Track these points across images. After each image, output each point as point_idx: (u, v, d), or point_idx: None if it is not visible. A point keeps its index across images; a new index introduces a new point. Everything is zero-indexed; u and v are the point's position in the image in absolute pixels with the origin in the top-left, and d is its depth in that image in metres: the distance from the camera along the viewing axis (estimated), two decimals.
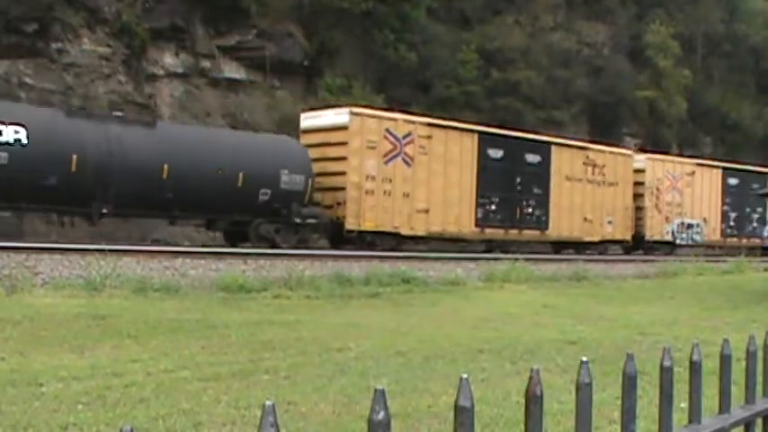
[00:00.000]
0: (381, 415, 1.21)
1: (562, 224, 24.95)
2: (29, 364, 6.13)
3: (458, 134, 22.29)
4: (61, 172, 15.55)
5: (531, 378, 1.45)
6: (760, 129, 45.36)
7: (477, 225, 22.79)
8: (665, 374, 1.85)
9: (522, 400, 1.51)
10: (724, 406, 2.09)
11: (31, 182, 15.15)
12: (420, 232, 21.38)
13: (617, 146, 30.97)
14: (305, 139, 20.27)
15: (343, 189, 19.86)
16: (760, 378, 2.27)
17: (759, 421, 2.19)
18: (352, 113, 20.18)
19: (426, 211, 21.32)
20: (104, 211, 16.64)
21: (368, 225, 20.10)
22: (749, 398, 2.19)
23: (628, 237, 27.61)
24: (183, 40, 26.21)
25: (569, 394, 5.27)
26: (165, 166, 16.88)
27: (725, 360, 2.09)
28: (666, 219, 29.28)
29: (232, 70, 27.48)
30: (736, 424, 2.07)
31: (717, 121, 44.09)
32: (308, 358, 6.87)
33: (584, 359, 1.61)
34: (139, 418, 4.63)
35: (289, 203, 18.72)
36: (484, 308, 11.82)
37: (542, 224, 24.58)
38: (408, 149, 20.89)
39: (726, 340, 2.11)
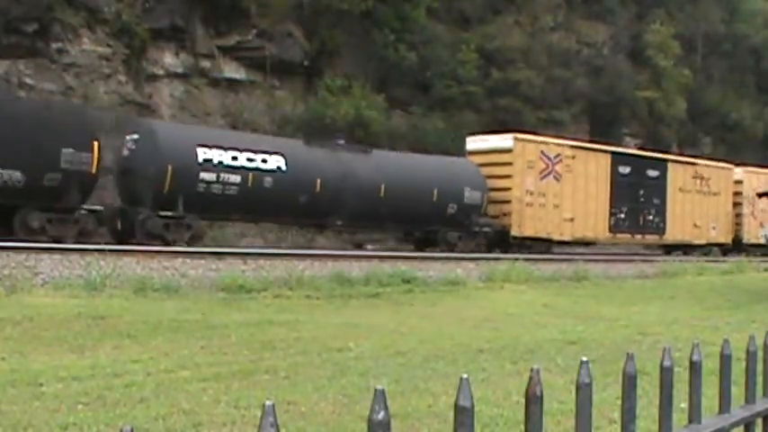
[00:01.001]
0: (381, 415, 1.21)
1: (676, 229, 28.78)
2: (29, 364, 6.13)
3: (595, 154, 26.21)
4: (309, 192, 19.17)
5: (531, 378, 1.45)
6: (760, 129, 45.35)
7: (610, 231, 26.52)
8: (665, 374, 1.85)
9: (522, 400, 1.51)
10: (724, 406, 2.09)
11: (289, 200, 18.81)
12: (567, 238, 25.04)
13: (715, 159, 34.28)
14: (471, 159, 23.94)
15: (507, 202, 23.53)
16: (760, 378, 2.27)
17: (759, 421, 2.19)
18: (516, 139, 24.03)
19: (572, 219, 25.03)
20: (339, 223, 20.53)
21: (527, 232, 23.73)
22: (749, 398, 2.19)
23: (729, 240, 31.43)
24: (183, 40, 26.21)
25: (569, 394, 5.27)
26: (382, 186, 20.51)
27: (725, 360, 2.09)
28: (761, 224, 33.09)
29: (232, 70, 27.48)
30: (736, 424, 2.07)
31: (717, 121, 44.08)
32: (308, 358, 6.87)
33: (584, 359, 1.61)
34: (139, 418, 4.63)
35: (469, 215, 22.56)
36: (484, 308, 11.82)
37: (660, 230, 28.31)
38: (558, 168, 24.58)
39: (726, 340, 2.11)
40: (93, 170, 16.21)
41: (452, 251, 21.45)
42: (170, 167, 16.89)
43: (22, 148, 15.08)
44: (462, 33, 33.81)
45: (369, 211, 20.44)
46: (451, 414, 1.36)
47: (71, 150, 15.77)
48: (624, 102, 38.52)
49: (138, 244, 15.94)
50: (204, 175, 17.41)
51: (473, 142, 24.84)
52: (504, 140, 24.00)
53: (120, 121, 19.21)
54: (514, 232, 23.48)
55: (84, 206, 16.46)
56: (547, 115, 35.82)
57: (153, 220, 16.86)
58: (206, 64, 26.72)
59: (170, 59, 25.92)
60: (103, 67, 23.80)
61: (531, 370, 1.47)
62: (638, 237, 27.69)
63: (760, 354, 2.26)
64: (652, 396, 4.65)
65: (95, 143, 16.29)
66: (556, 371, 6.54)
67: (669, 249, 29.57)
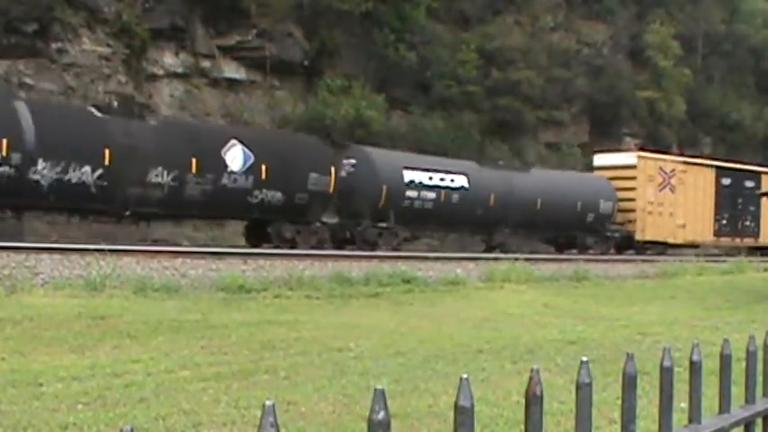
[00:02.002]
0: (381, 415, 1.21)
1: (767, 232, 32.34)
2: (29, 364, 6.13)
3: (702, 169, 29.92)
4: (485, 206, 23.20)
5: (531, 378, 1.45)
6: (760, 129, 45.33)
7: (714, 235, 30.11)
8: (665, 374, 1.85)
9: (522, 400, 1.51)
10: (724, 406, 2.09)
11: (470, 213, 22.94)
12: (679, 241, 28.55)
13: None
14: (598, 174, 28.22)
15: (632, 211, 27.47)
16: (760, 378, 2.27)
17: (759, 421, 2.19)
18: (639, 157, 28.44)
19: (683, 225, 28.64)
20: (506, 230, 24.41)
21: (648, 236, 27.61)
22: (749, 398, 2.19)
23: None
24: (183, 40, 26.20)
25: (569, 394, 5.27)
26: (539, 200, 24.46)
27: (725, 360, 2.09)
28: None
29: (232, 70, 27.47)
30: (736, 424, 2.07)
31: (717, 121, 44.06)
32: (308, 358, 6.87)
33: (585, 359, 1.61)
34: (139, 418, 4.63)
35: (603, 222, 26.80)
36: (484, 308, 11.82)
37: (755, 233, 31.81)
38: (672, 181, 28.33)
39: (726, 340, 2.11)
40: (331, 190, 20.31)
41: (586, 252, 25.64)
42: (384, 187, 20.89)
43: (283, 173, 19.00)
44: (462, 33, 33.80)
45: (527, 221, 24.50)
46: (451, 414, 1.36)
47: (316, 175, 19.82)
48: (624, 102, 38.50)
49: (358, 249, 20.05)
50: (409, 193, 21.60)
51: (600, 159, 29.20)
52: (628, 158, 28.66)
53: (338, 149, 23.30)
54: (638, 237, 27.47)
55: (322, 219, 20.74)
56: (547, 115, 35.81)
57: (370, 230, 20.87)
58: (206, 64, 26.71)
59: (170, 59, 25.91)
60: (103, 67, 23.79)
61: (531, 370, 1.47)
62: (737, 240, 31.43)
63: (760, 354, 2.26)
64: (652, 396, 4.64)
65: (333, 168, 20.39)
66: (556, 371, 6.53)
67: (762, 251, 32.56)
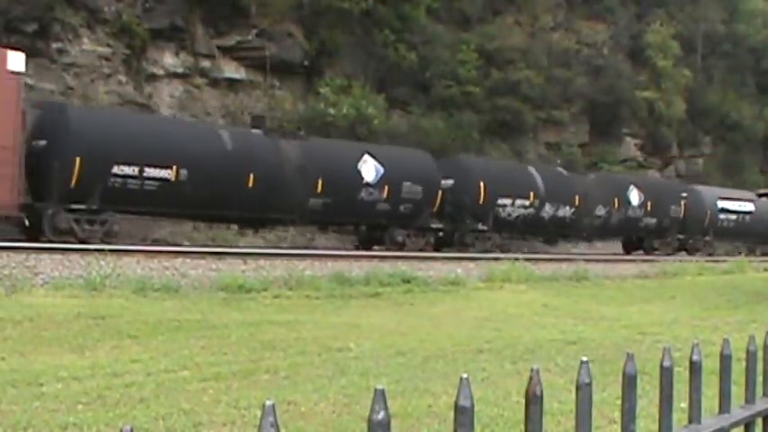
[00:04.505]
0: (381, 415, 1.21)
1: None
2: (29, 364, 6.12)
3: None
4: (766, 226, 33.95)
5: (531, 378, 1.45)
6: (760, 129, 45.34)
7: None
8: (665, 374, 1.85)
9: (522, 400, 1.51)
10: (724, 406, 2.09)
11: (758, 232, 34.29)
12: None
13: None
14: None
15: None
16: (760, 378, 2.27)
17: (759, 421, 2.19)
18: None
19: None
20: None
21: None
22: (749, 398, 2.19)
23: None
24: (183, 40, 26.19)
25: (569, 394, 5.27)
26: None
27: (725, 360, 2.09)
28: None
29: (232, 70, 27.46)
30: (736, 424, 2.07)
31: (717, 121, 44.06)
32: (308, 358, 6.87)
33: (585, 359, 1.61)
34: (139, 418, 4.63)
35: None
36: (484, 308, 11.82)
37: None
38: None
39: (726, 340, 2.10)
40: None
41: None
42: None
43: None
44: (462, 33, 33.78)
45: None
46: (451, 414, 1.36)
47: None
48: (624, 102, 38.50)
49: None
50: (721, 216, 31.08)
51: None
52: None
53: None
54: None
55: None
56: (547, 115, 35.81)
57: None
58: (206, 64, 26.70)
59: (170, 59, 25.90)
60: (103, 67, 23.78)
61: (531, 370, 1.46)
62: None
63: (760, 354, 2.26)
64: (652, 396, 4.64)
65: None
66: (556, 371, 6.53)
67: None
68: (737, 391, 2.24)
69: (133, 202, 16.87)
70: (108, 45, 24.02)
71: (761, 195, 28.09)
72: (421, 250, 21.40)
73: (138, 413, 4.77)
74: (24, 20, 22.14)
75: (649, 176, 36.52)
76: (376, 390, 1.23)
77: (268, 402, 1.17)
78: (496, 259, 18.57)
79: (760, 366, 2.24)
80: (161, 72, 25.65)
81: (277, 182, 18.94)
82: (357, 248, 21.70)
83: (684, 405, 2.07)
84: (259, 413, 1.20)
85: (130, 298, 10.60)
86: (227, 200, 18.26)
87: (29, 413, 4.67)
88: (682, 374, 2.22)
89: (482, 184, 23.35)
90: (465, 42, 32.46)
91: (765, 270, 24.31)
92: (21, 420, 4.51)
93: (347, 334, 8.30)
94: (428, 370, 6.48)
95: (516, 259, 17.95)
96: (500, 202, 23.80)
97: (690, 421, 1.97)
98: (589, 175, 28.91)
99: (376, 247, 21.57)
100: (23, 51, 16.06)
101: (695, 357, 1.95)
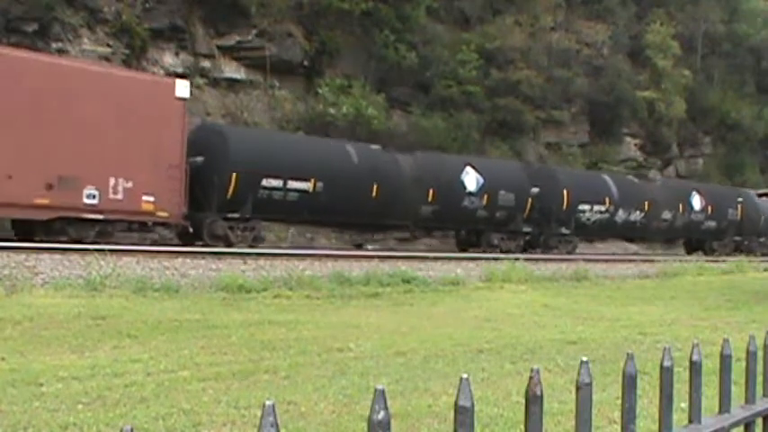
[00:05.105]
0: (381, 415, 1.21)
1: None
2: (29, 364, 6.12)
3: None
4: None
5: (531, 378, 1.45)
6: (760, 129, 45.37)
7: None
8: (665, 374, 1.85)
9: (522, 400, 1.50)
10: (724, 406, 2.09)
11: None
12: None
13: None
14: None
15: None
16: (760, 378, 2.27)
17: (759, 421, 2.19)
18: None
19: None
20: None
21: None
22: (749, 398, 2.19)
23: None
24: (183, 40, 26.20)
25: (569, 394, 5.27)
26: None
27: (725, 360, 2.09)
28: None
29: (232, 70, 27.46)
30: (736, 424, 2.07)
31: (717, 121, 44.09)
32: (308, 358, 6.87)
33: (585, 359, 1.61)
34: (139, 418, 4.63)
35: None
36: (484, 308, 11.82)
37: None
38: None
39: (726, 340, 2.10)
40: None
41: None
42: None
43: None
44: (462, 33, 33.80)
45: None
46: (451, 414, 1.36)
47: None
48: (624, 102, 38.51)
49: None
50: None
51: None
52: None
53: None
54: None
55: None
56: (547, 115, 35.82)
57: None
58: (206, 64, 26.71)
59: (170, 59, 25.91)
60: None
61: (531, 370, 1.47)
62: None
63: (760, 354, 2.26)
64: (652, 396, 4.64)
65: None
66: (556, 371, 6.54)
67: None
68: (737, 391, 2.25)
69: (277, 210, 19.22)
70: (108, 45, 24.03)
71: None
72: (511, 252, 23.23)
73: (138, 413, 4.77)
74: (24, 20, 22.15)
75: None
76: (376, 390, 1.23)
77: (268, 402, 1.17)
78: (496, 259, 18.57)
79: (760, 366, 2.24)
80: (161, 72, 25.66)
81: (396, 191, 21.26)
82: (463, 251, 23.97)
83: (684, 405, 2.07)
84: (259, 413, 1.20)
85: (130, 298, 10.60)
86: (355, 208, 20.60)
87: (29, 413, 4.67)
88: (682, 374, 2.22)
89: (566, 191, 25.60)
90: (465, 42, 32.47)
91: (765, 270, 24.31)
92: (21, 420, 4.51)
93: (347, 334, 8.30)
94: (428, 370, 6.48)
95: (516, 259, 17.95)
96: (580, 207, 26.10)
97: (690, 421, 1.97)
98: (656, 181, 31.66)
99: (471, 249, 23.91)
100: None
101: (695, 357, 1.95)
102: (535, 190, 25.14)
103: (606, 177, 28.48)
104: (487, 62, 33.05)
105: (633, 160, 40.50)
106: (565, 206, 25.57)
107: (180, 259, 14.36)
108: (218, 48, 27.05)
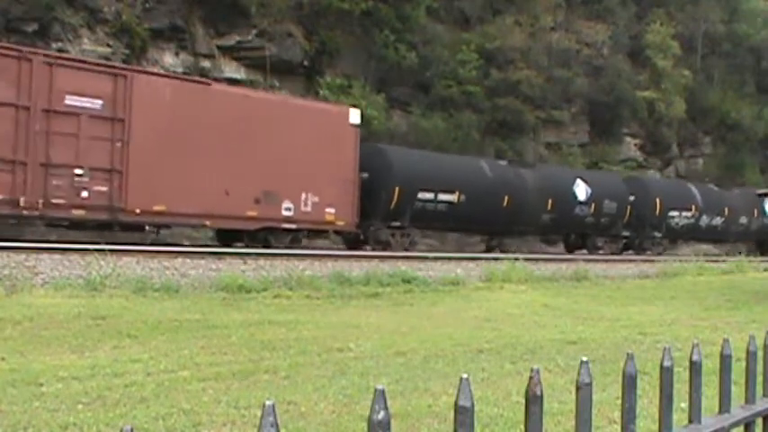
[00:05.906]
0: (381, 415, 1.21)
1: None
2: (29, 364, 6.12)
3: None
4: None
5: (531, 378, 1.45)
6: (760, 129, 45.34)
7: None
8: (665, 374, 1.85)
9: (522, 400, 1.50)
10: (724, 406, 2.09)
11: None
12: None
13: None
14: None
15: None
16: (760, 378, 2.27)
17: (759, 421, 2.19)
18: None
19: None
20: None
21: None
22: (749, 398, 2.19)
23: None
24: (183, 40, 26.19)
25: (569, 394, 5.27)
26: None
27: (725, 360, 2.09)
28: None
29: (232, 70, 27.46)
30: (736, 424, 2.07)
31: (717, 121, 44.07)
32: (308, 358, 6.87)
33: (585, 359, 1.61)
34: (139, 418, 4.63)
35: None
36: (484, 308, 11.82)
37: None
38: None
39: (726, 340, 2.10)
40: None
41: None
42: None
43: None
44: (462, 33, 33.79)
45: None
46: (451, 414, 1.36)
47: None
48: (624, 102, 38.50)
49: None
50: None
51: None
52: None
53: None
54: None
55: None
56: (547, 115, 35.81)
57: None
58: (206, 64, 26.70)
59: (170, 59, 25.91)
60: None
61: (531, 370, 1.47)
62: None
63: (760, 354, 2.26)
64: (652, 396, 4.64)
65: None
66: (556, 371, 6.54)
67: None
68: (737, 391, 2.25)
69: (429, 220, 22.30)
70: (108, 45, 24.02)
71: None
72: (612, 253, 27.12)
73: (138, 413, 4.77)
74: (24, 20, 22.14)
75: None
76: (376, 390, 1.23)
77: (268, 402, 1.17)
78: (496, 259, 18.57)
79: (760, 366, 2.24)
80: (161, 71, 25.65)
81: (523, 202, 24.30)
82: (569, 252, 27.18)
83: (684, 405, 2.07)
84: (259, 413, 1.20)
85: (130, 298, 10.60)
86: (490, 216, 23.63)
87: (29, 413, 4.67)
88: (682, 374, 2.22)
89: (658, 199, 28.97)
90: (465, 42, 32.46)
91: (765, 270, 24.31)
92: (21, 420, 4.51)
93: (347, 334, 8.30)
94: (428, 370, 6.48)
95: (516, 259, 17.95)
96: (671, 213, 29.40)
97: (690, 421, 1.97)
98: (734, 189, 35.27)
99: (581, 251, 27.05)
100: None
101: (695, 357, 1.95)
102: (632, 198, 28.16)
103: (691, 186, 32.05)
104: (487, 62, 33.04)
105: (633, 160, 40.49)
106: (657, 212, 28.78)
107: (180, 259, 14.36)
108: (218, 48, 27.05)
